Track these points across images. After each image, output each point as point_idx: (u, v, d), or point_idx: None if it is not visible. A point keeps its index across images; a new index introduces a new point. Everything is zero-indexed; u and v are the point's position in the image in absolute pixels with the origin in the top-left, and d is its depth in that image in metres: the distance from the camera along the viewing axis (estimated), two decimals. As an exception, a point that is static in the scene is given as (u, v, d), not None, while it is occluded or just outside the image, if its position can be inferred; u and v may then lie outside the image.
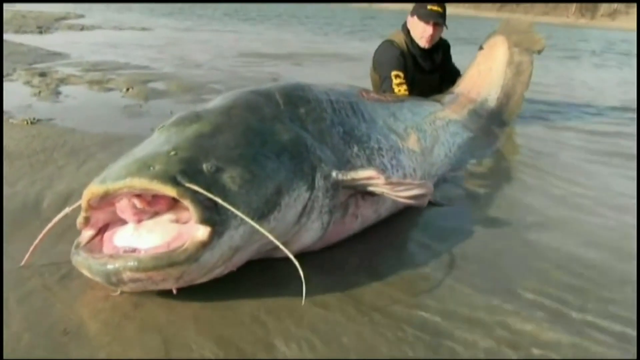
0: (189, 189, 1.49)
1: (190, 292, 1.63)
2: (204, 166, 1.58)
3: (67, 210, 1.72)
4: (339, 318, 1.63)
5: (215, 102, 2.05)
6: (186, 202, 1.48)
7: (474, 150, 3.54)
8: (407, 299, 1.77)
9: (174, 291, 1.59)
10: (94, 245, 1.64)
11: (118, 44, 9.21)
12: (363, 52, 9.48)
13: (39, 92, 4.63)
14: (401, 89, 3.98)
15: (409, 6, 4.24)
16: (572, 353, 1.53)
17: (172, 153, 1.59)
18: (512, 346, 1.55)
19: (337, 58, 9.10)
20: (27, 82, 5.08)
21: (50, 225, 1.73)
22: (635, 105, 6.12)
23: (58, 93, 4.69)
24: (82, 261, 1.56)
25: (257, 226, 1.54)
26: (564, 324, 1.67)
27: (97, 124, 3.63)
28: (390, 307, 1.71)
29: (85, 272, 1.57)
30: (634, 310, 1.77)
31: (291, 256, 1.53)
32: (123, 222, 1.68)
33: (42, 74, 5.50)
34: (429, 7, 4.00)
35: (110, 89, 4.99)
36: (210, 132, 1.75)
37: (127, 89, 4.92)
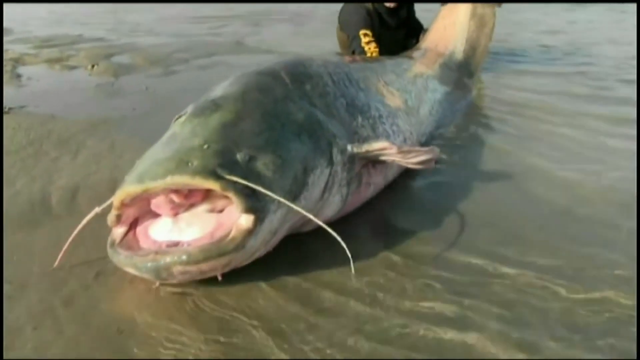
0: (230, 181, 1.53)
1: (232, 277, 1.67)
2: (238, 156, 1.61)
3: (97, 209, 1.72)
4: (380, 280, 1.74)
5: (226, 87, 2.05)
6: (230, 194, 1.52)
7: (453, 104, 3.64)
8: (431, 253, 1.90)
9: (219, 277, 1.64)
10: (131, 242, 1.65)
11: (60, 13, 8.82)
12: (312, 9, 9.45)
13: (-2, 75, 4.45)
14: (371, 47, 4.14)
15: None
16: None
17: (205, 146, 1.61)
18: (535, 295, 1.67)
19: (291, 15, 8.99)
20: (-21, 65, 4.85)
21: (81, 225, 1.73)
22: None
23: (19, 76, 4.52)
24: (126, 260, 1.59)
25: (297, 208, 1.62)
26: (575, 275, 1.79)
27: (75, 107, 3.55)
28: (419, 265, 1.83)
29: (131, 270, 1.59)
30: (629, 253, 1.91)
31: (334, 233, 1.62)
32: (152, 215, 1.70)
33: (-8, 54, 5.26)
34: None
35: (73, 67, 4.84)
36: (233, 121, 1.77)
37: (92, 66, 4.78)
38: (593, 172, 2.55)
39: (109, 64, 4.93)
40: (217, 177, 1.52)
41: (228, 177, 1.53)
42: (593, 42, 6.42)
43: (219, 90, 2.04)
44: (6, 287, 1.69)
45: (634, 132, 3.06)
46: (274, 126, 1.82)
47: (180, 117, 1.87)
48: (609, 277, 1.73)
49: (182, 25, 7.55)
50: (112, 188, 2.24)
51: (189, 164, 1.53)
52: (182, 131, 1.74)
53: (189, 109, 1.88)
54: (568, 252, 1.88)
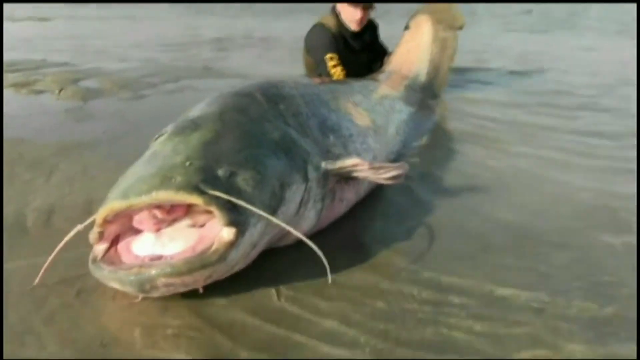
0: (212, 196, 1.59)
1: (212, 289, 1.72)
2: (219, 172, 1.68)
3: (79, 227, 1.74)
4: (353, 294, 1.80)
5: (204, 107, 2.12)
6: (212, 208, 1.58)
7: (418, 124, 3.77)
8: (403, 267, 1.98)
9: (201, 290, 1.68)
10: (113, 258, 1.69)
11: (22, 38, 8.71)
12: (277, 35, 9.60)
13: (-37, 100, 4.39)
14: (337, 70, 4.25)
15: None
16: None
17: (188, 163, 1.67)
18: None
19: (256, 40, 9.10)
20: (-57, 89, 4.78)
21: (62, 243, 1.74)
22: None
23: (-17, 100, 4.47)
24: (110, 274, 1.62)
25: (277, 221, 1.68)
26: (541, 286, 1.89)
27: (45, 131, 3.53)
28: (392, 280, 1.89)
29: (115, 284, 1.63)
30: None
31: (312, 244, 1.69)
32: (133, 231, 1.75)
33: (-45, 79, 5.19)
34: None
35: (40, 92, 4.79)
36: (212, 139, 1.84)
37: (60, 91, 4.76)
38: (550, 202, 2.64)
39: (76, 88, 4.92)
40: (200, 192, 1.59)
41: (210, 192, 1.60)
42: (563, 69, 6.62)
43: (198, 110, 2.10)
44: (-15, 307, 1.70)
45: (593, 162, 3.15)
46: (251, 144, 1.89)
47: (160, 136, 1.93)
48: (582, 291, 1.84)
49: (148, 51, 7.55)
50: (88, 209, 2.33)
51: (173, 180, 1.59)
52: (164, 149, 1.80)
53: (169, 128, 1.94)
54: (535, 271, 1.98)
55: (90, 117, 3.98)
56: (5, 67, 5.92)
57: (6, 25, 10.84)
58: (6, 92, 4.78)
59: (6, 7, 17.18)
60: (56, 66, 6.06)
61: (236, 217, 1.61)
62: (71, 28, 10.68)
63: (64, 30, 10.22)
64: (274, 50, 7.95)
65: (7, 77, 5.38)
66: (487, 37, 9.80)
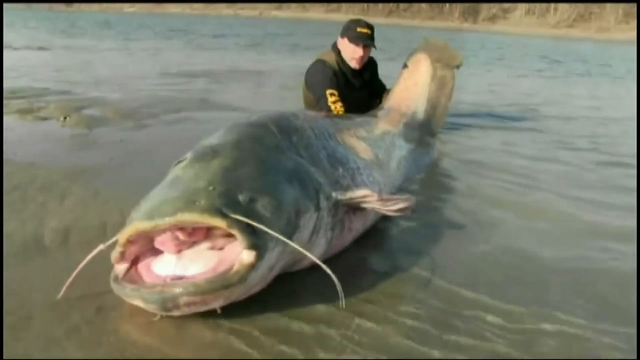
0: (234, 219, 1.68)
1: (229, 310, 1.80)
2: (240, 198, 1.77)
3: (101, 247, 1.83)
4: (360, 319, 1.89)
5: (221, 136, 2.22)
6: (234, 231, 1.67)
7: (417, 160, 3.92)
8: (408, 294, 2.08)
9: (219, 310, 1.76)
10: (134, 277, 1.78)
11: (21, 67, 8.81)
12: (272, 68, 9.79)
13: (-32, 124, 4.47)
14: (337, 106, 4.27)
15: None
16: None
17: (211, 188, 1.77)
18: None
19: (250, 73, 9.30)
20: (-52, 113, 4.86)
21: (86, 260, 1.82)
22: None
23: (-10, 125, 4.55)
24: (132, 292, 1.70)
25: (294, 245, 1.79)
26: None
27: (53, 156, 3.63)
28: (397, 305, 1.99)
29: (137, 302, 1.71)
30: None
31: (328, 269, 1.78)
32: (152, 252, 1.84)
33: (-41, 104, 5.28)
34: (358, 29, 4.33)
35: (45, 119, 4.90)
36: (232, 166, 1.94)
37: (65, 118, 4.86)
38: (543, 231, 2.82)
39: (80, 116, 5.02)
40: (223, 216, 1.67)
41: (232, 215, 1.69)
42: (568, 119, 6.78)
43: (215, 139, 2.21)
44: (11, 318, 1.77)
45: (579, 195, 3.32)
46: (268, 172, 2.00)
47: (180, 162, 2.03)
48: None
49: (147, 82, 7.70)
50: (102, 231, 2.41)
51: (197, 203, 1.68)
52: (185, 174, 1.89)
53: (189, 155, 2.04)
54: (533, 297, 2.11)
55: (95, 144, 4.08)
56: (9, 94, 6.00)
57: (6, 53, 10.98)
58: (11, 118, 4.86)
59: (5, 36, 17.29)
60: (59, 94, 6.18)
61: (256, 241, 1.70)
62: (69, 58, 10.82)
63: (63, 60, 10.35)
64: (268, 83, 8.16)
65: (11, 104, 5.46)
66: (494, 80, 10.09)
